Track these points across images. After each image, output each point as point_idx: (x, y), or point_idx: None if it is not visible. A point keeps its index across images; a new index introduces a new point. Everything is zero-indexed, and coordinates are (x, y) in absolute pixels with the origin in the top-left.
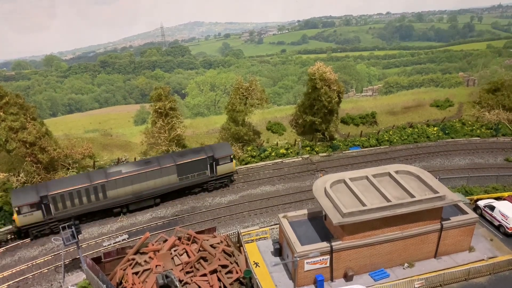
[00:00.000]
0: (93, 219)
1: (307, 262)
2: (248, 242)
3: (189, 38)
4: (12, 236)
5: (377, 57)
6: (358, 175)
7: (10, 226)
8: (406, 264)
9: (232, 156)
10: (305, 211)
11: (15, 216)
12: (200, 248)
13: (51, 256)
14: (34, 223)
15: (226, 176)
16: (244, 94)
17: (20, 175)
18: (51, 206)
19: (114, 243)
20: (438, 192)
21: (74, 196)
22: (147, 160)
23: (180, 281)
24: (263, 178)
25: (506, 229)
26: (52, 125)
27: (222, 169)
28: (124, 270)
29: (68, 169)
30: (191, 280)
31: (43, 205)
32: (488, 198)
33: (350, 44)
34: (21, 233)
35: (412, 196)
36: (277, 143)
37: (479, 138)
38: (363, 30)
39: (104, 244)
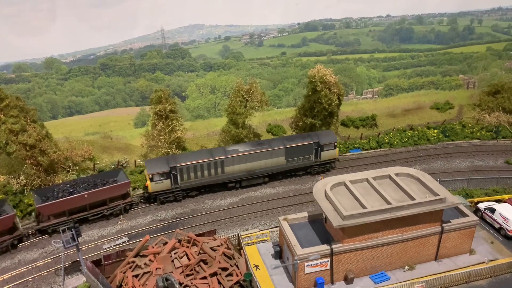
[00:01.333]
0: (212, 191)
1: (307, 265)
2: (248, 245)
3: (190, 40)
4: (142, 200)
5: (377, 59)
6: (358, 177)
7: (142, 191)
8: (406, 267)
9: (335, 144)
10: (305, 214)
11: (148, 182)
12: (200, 251)
13: (51, 258)
14: (163, 190)
15: (328, 162)
16: (244, 96)
17: (20, 177)
18: (178, 176)
19: (114, 245)
20: (438, 195)
21: (197, 169)
22: (259, 142)
23: (180, 283)
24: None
25: (507, 232)
26: (52, 127)
27: (325, 155)
28: (124, 272)
29: (68, 171)
30: (191, 283)
31: (171, 175)
32: (488, 200)
33: (350, 46)
34: (151, 198)
35: (413, 198)
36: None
37: (479, 140)
38: (363, 33)
39: (104, 247)
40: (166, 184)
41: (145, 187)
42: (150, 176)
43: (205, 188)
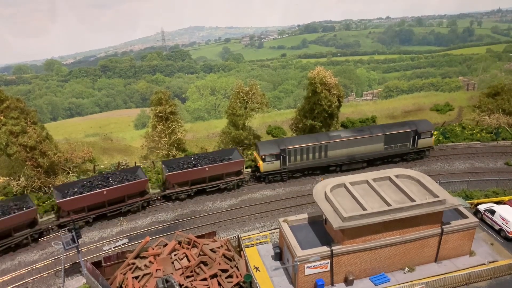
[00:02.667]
0: (315, 173)
1: (307, 267)
2: (249, 247)
3: (190, 42)
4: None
5: (377, 61)
6: (358, 179)
7: (249, 169)
8: (406, 269)
9: (432, 132)
10: (305, 215)
11: (260, 163)
12: (200, 253)
13: (51, 260)
14: (272, 171)
15: (423, 150)
16: (245, 98)
17: (21, 179)
18: (287, 158)
19: (114, 247)
20: (438, 196)
21: (304, 152)
22: (360, 129)
23: (180, 285)
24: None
25: (507, 233)
26: (53, 129)
27: (422, 142)
28: (124, 274)
29: (68, 173)
30: (191, 285)
31: (281, 156)
32: (488, 202)
33: (350, 48)
34: (261, 178)
35: (413, 200)
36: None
37: (479, 142)
38: (363, 35)
39: (104, 249)
40: (276, 165)
41: (256, 167)
42: (263, 156)
43: (308, 171)
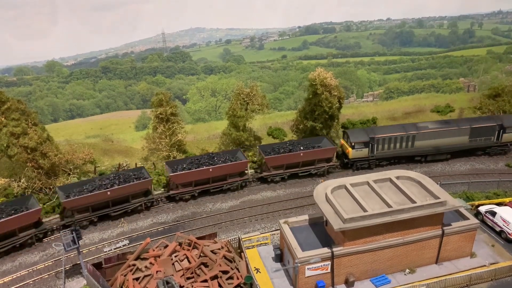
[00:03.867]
0: (401, 162)
1: (308, 268)
2: (249, 248)
3: (190, 44)
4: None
5: (377, 62)
6: (359, 180)
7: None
8: (407, 270)
9: None
10: (306, 217)
11: (349, 150)
12: (201, 254)
13: (51, 261)
14: (360, 158)
15: (507, 144)
16: (245, 99)
17: (21, 180)
18: (375, 146)
19: (114, 248)
20: (439, 198)
21: (392, 141)
22: (447, 121)
23: (181, 287)
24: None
25: (508, 235)
26: (54, 130)
27: (507, 137)
28: (125, 275)
29: (69, 174)
30: (192, 286)
31: (370, 145)
32: (489, 203)
33: (351, 50)
34: (348, 164)
35: (413, 201)
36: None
37: None
38: (363, 36)
39: (104, 250)
40: (364, 152)
41: (344, 154)
42: (353, 144)
43: (394, 159)
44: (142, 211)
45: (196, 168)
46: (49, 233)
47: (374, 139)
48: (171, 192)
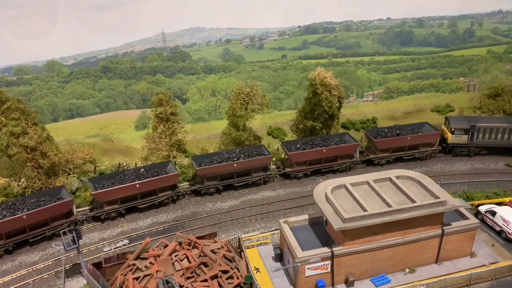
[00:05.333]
0: (502, 153)
1: (308, 268)
2: (249, 248)
3: (190, 43)
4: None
5: (377, 62)
6: (359, 180)
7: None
8: (407, 270)
9: None
10: (306, 217)
11: (448, 135)
12: (201, 254)
13: (51, 261)
14: (459, 144)
15: None
16: (245, 99)
17: (21, 180)
18: (475, 135)
19: (114, 248)
20: (439, 198)
21: (493, 131)
22: None
23: (181, 286)
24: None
25: (508, 235)
26: (53, 130)
27: None
28: (125, 275)
29: (69, 174)
30: (192, 286)
31: (470, 132)
32: (489, 203)
33: (351, 49)
34: (446, 149)
35: (413, 201)
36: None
37: None
38: (363, 36)
39: (104, 250)
40: (463, 139)
41: (443, 139)
42: (452, 129)
43: (494, 149)
44: (260, 185)
45: (310, 149)
46: (181, 196)
47: (475, 127)
48: (287, 169)
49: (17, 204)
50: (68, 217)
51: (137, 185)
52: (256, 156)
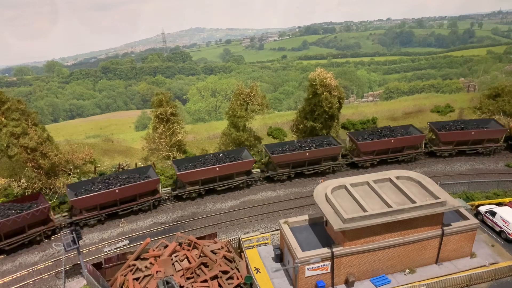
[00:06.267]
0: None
1: (308, 268)
2: (249, 248)
3: (190, 44)
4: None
5: (377, 63)
6: (359, 180)
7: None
8: (407, 270)
9: None
10: (306, 217)
11: None
12: (201, 254)
13: (51, 261)
14: None
15: None
16: (245, 99)
17: (21, 180)
18: None
19: (115, 248)
20: (439, 198)
21: None
22: None
23: (181, 287)
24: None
25: (508, 235)
26: (54, 130)
27: None
28: (125, 276)
29: (69, 174)
30: (192, 286)
31: None
32: (489, 204)
33: (351, 50)
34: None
35: (413, 201)
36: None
37: None
38: (363, 36)
39: (105, 250)
40: None
41: (510, 137)
42: None
43: None
44: (328, 173)
45: (378, 139)
46: (253, 182)
47: None
48: (355, 159)
49: (110, 179)
50: (154, 194)
51: (217, 168)
52: (326, 146)
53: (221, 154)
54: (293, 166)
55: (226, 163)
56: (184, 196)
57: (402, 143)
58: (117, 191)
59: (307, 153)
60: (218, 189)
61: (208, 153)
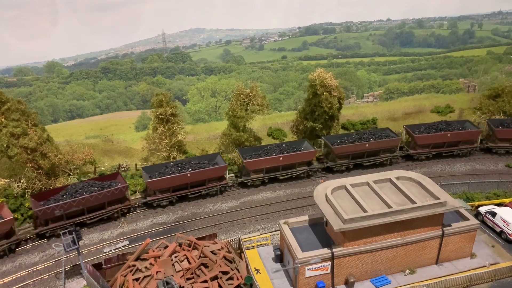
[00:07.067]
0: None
1: (308, 269)
2: (249, 249)
3: (190, 44)
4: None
5: (377, 63)
6: (359, 181)
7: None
8: (407, 271)
9: None
10: (306, 217)
11: None
12: (201, 255)
13: (51, 262)
14: None
15: None
16: (245, 100)
17: (21, 181)
18: None
19: (114, 249)
20: (439, 198)
21: None
22: None
23: (181, 287)
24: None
25: (508, 236)
26: (54, 131)
27: None
28: (125, 276)
29: (69, 175)
30: (192, 287)
31: None
32: (489, 204)
33: (351, 50)
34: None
35: (413, 202)
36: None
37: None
38: (363, 37)
39: (104, 250)
40: None
41: None
42: None
43: None
44: (386, 165)
45: (434, 133)
46: (313, 173)
47: None
48: (411, 151)
49: (183, 163)
50: (221, 180)
51: (281, 158)
52: (384, 138)
53: (284, 145)
54: (352, 157)
55: (290, 153)
56: (248, 183)
57: (458, 137)
58: (188, 175)
59: (367, 145)
60: (280, 177)
61: (271, 143)
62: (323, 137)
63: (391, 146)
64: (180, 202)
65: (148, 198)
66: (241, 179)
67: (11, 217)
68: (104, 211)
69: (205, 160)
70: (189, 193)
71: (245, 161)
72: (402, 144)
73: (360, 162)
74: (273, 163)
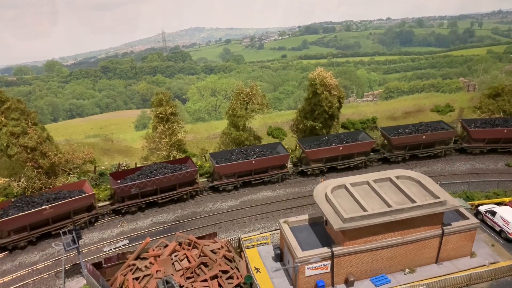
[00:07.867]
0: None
1: (308, 268)
2: (249, 248)
3: (190, 43)
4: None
5: (377, 62)
6: (359, 180)
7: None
8: (407, 270)
9: None
10: (306, 217)
11: None
12: (201, 254)
13: (51, 261)
14: None
15: None
16: (245, 99)
17: (21, 180)
18: None
19: (114, 248)
20: (439, 198)
21: None
22: None
23: (181, 286)
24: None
25: (508, 235)
26: (53, 130)
27: None
28: (125, 275)
29: (69, 174)
30: (192, 286)
31: None
32: (489, 203)
33: (351, 49)
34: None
35: (413, 201)
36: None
37: None
38: (363, 36)
39: (104, 250)
40: None
41: None
42: None
43: None
44: (440, 157)
45: (490, 128)
46: (369, 163)
47: None
48: (465, 145)
49: (248, 150)
50: (282, 169)
51: (340, 148)
52: (440, 130)
53: (342, 135)
54: (409, 148)
55: (348, 143)
56: (308, 172)
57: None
58: (253, 161)
59: (424, 136)
60: (339, 167)
61: (329, 134)
62: (380, 128)
63: (446, 138)
64: (243, 187)
65: (215, 182)
66: (302, 168)
67: (93, 192)
68: (175, 192)
69: (267, 149)
70: (253, 179)
71: (307, 150)
72: (455, 137)
73: (416, 154)
74: (333, 153)
